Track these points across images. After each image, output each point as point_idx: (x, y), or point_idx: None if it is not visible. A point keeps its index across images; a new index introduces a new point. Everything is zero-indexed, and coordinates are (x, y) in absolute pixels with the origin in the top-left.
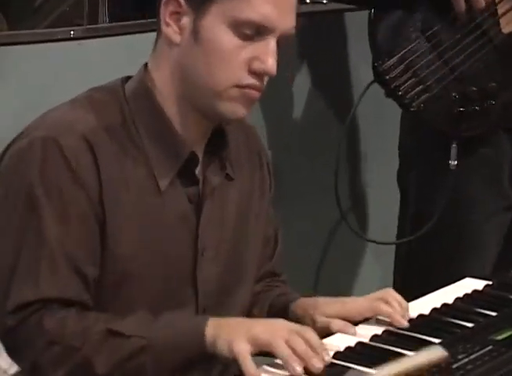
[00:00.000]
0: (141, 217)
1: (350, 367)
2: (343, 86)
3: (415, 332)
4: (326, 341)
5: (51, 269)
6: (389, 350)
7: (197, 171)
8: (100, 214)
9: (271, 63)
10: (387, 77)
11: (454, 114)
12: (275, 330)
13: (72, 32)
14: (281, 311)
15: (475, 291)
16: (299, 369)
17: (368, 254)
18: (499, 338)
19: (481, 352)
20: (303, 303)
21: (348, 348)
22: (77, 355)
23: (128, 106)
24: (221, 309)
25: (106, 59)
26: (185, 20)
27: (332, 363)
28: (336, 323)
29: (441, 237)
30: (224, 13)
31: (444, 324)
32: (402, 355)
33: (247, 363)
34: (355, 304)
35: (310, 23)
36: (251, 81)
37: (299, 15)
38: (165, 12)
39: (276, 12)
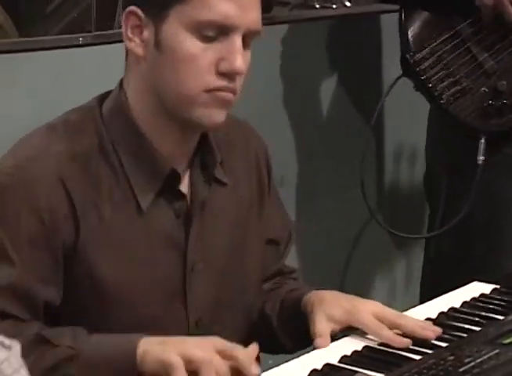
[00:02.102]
0: (123, 240)
1: (357, 371)
2: (368, 84)
3: None
4: (334, 344)
5: None
6: (396, 354)
7: (183, 185)
8: (73, 246)
9: (238, 62)
10: (418, 68)
11: (483, 108)
12: (205, 346)
13: (81, 39)
14: (293, 306)
15: (482, 295)
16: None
17: (396, 251)
18: (506, 341)
19: (488, 355)
20: (314, 297)
21: (355, 352)
22: None
23: (104, 127)
24: (219, 320)
25: (115, 65)
26: (147, 32)
27: (339, 367)
28: (317, 342)
29: (470, 232)
30: (183, 18)
31: (451, 328)
32: (409, 359)
33: (180, 374)
34: (362, 317)
35: (334, 26)
36: (221, 83)
37: (319, 18)
38: (126, 28)
39: (236, 9)
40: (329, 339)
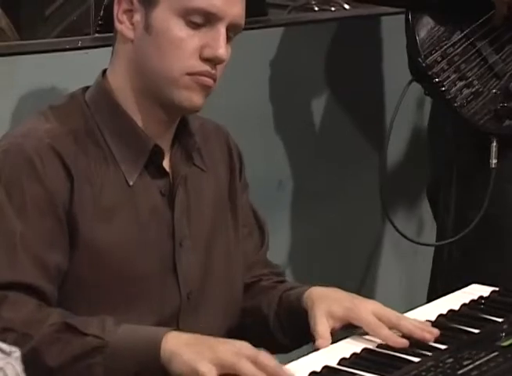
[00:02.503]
0: (113, 213)
1: (356, 374)
2: (368, 87)
3: None
4: (333, 346)
5: (8, 257)
6: (395, 356)
7: (165, 163)
8: (69, 211)
9: (221, 49)
10: (430, 72)
11: (496, 111)
12: (239, 351)
13: (80, 41)
14: (293, 302)
15: (481, 297)
16: None
17: (397, 254)
18: (505, 344)
19: (487, 358)
20: (314, 294)
21: (354, 355)
22: (30, 343)
23: (89, 110)
24: (206, 295)
25: None
26: (137, 16)
27: (338, 370)
28: (318, 343)
29: (482, 239)
30: (173, 4)
31: (450, 330)
32: (407, 361)
33: None
34: (361, 314)
35: (333, 28)
36: (204, 68)
37: (317, 21)
38: (118, 11)
39: (223, 0)
40: (329, 340)
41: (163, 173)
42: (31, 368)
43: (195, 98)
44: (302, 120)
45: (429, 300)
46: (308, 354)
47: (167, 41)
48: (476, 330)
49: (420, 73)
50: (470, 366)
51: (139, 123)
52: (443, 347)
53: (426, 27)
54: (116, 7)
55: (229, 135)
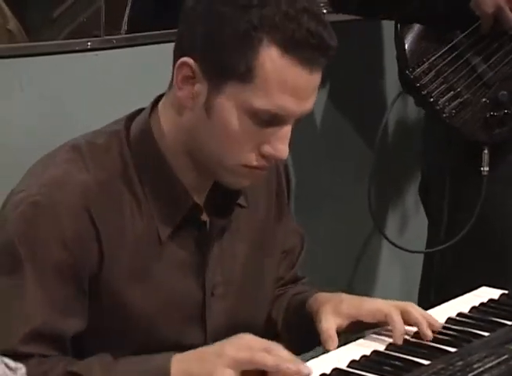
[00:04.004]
0: (144, 268)
1: None
2: (370, 91)
3: (430, 341)
4: (342, 348)
5: (10, 324)
6: (405, 359)
7: (203, 214)
8: (97, 273)
9: (283, 150)
10: (418, 84)
11: (485, 119)
12: (248, 344)
13: (89, 43)
14: (299, 308)
15: (491, 300)
16: (305, 366)
17: (399, 263)
18: None
19: (497, 361)
20: (320, 297)
21: (364, 357)
22: None
23: (129, 152)
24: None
25: (123, 69)
26: (199, 88)
27: (348, 372)
28: (325, 345)
29: (475, 244)
30: (239, 97)
31: (459, 333)
32: (417, 364)
33: None
34: (371, 306)
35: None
36: (261, 163)
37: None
38: (178, 76)
39: (295, 101)
40: (335, 338)
41: (200, 226)
42: None
43: (244, 183)
44: (305, 123)
45: (420, 300)
46: (318, 356)
47: (227, 132)
48: (486, 333)
49: (408, 85)
50: (481, 369)
51: (180, 176)
52: (453, 350)
53: (414, 38)
54: (176, 71)
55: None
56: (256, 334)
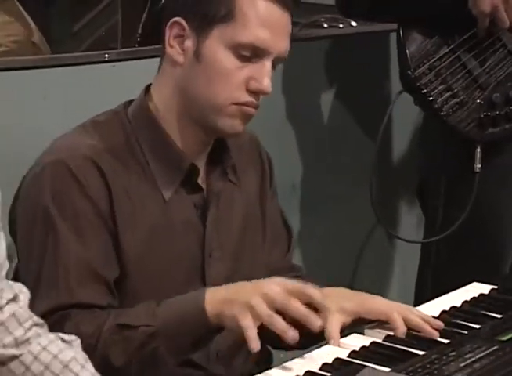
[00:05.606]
0: (149, 225)
1: (365, 365)
2: (374, 98)
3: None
4: (343, 340)
5: (68, 279)
6: (402, 349)
7: (200, 179)
8: (111, 224)
9: (266, 83)
10: (418, 83)
11: (480, 119)
12: (285, 286)
13: (106, 55)
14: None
15: (482, 295)
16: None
17: (402, 255)
18: (504, 338)
19: (487, 351)
20: (325, 292)
21: (363, 348)
22: (95, 352)
23: (130, 125)
24: None
25: (139, 80)
26: (188, 43)
27: (348, 361)
28: (330, 342)
29: (468, 239)
30: (224, 37)
31: (453, 326)
32: (413, 354)
33: (252, 335)
34: (373, 305)
35: (340, 44)
36: (249, 98)
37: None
38: (169, 35)
39: (271, 36)
40: (339, 340)
41: (197, 189)
42: (104, 373)
43: (237, 125)
44: (314, 127)
45: (417, 292)
46: (320, 347)
47: (216, 71)
48: (477, 326)
49: (409, 84)
50: (472, 359)
51: (178, 142)
52: (446, 341)
53: (415, 41)
54: (167, 32)
55: (260, 143)
56: None
